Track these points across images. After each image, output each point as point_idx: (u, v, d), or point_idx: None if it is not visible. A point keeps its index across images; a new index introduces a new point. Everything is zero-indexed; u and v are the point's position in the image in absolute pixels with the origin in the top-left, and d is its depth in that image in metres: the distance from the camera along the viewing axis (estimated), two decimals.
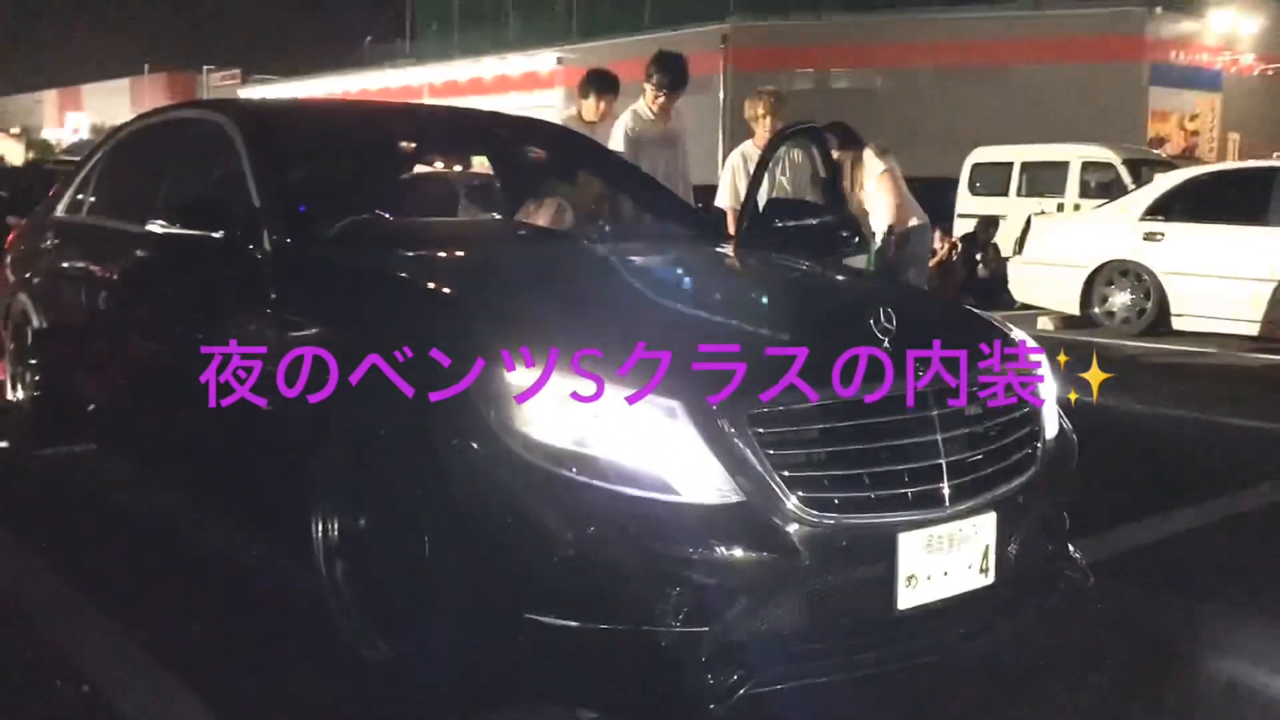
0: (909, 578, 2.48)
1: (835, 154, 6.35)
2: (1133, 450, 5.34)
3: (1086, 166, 16.29)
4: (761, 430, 2.37)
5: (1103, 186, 15.52)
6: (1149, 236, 9.67)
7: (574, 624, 2.32)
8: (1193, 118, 31.66)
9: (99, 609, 3.20)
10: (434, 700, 2.59)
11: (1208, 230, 9.36)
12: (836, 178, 5.31)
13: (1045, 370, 3.02)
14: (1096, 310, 10.03)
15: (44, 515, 4.13)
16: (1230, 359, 8.66)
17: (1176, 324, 9.52)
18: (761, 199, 4.82)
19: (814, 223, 4.23)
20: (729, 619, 2.33)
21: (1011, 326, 3.21)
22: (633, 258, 3.31)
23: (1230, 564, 3.83)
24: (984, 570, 2.62)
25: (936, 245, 12.96)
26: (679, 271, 3.20)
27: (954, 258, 12.60)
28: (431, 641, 2.51)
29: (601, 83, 5.96)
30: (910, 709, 2.75)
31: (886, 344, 2.62)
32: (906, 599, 2.48)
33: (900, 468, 2.50)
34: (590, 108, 5.88)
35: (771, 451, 2.37)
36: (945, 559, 2.54)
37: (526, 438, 2.34)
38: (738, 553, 2.34)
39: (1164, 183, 10.12)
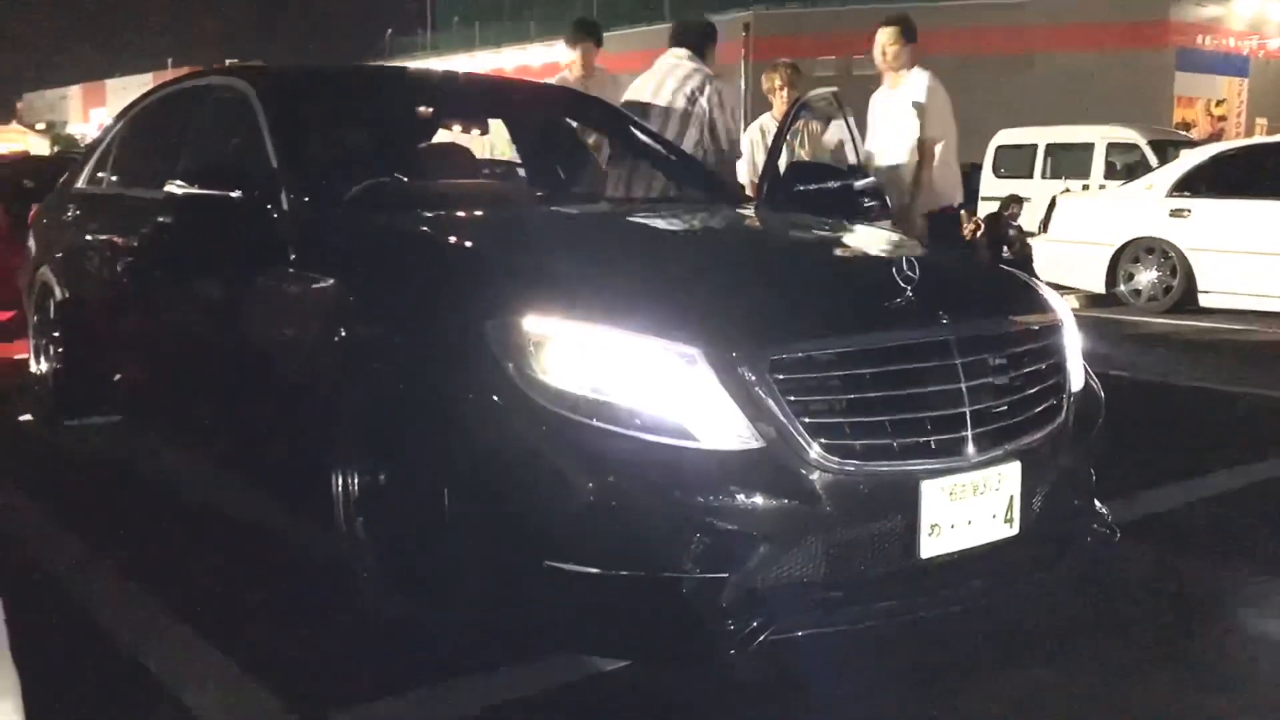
0: (932, 526, 2.46)
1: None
2: (1158, 419, 5.29)
3: (1111, 148, 16.16)
4: (782, 377, 2.34)
5: (1128, 168, 15.38)
6: (1175, 213, 9.57)
7: (594, 571, 2.30)
8: (1219, 103, 31.39)
9: (126, 575, 3.22)
10: (455, 653, 2.58)
11: (1235, 206, 9.25)
12: (857, 140, 5.27)
13: (1070, 323, 2.98)
14: (1122, 288, 9.94)
15: (71, 486, 4.15)
16: (1259, 335, 8.57)
17: (1203, 301, 9.42)
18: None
19: (835, 186, 4.21)
20: (749, 566, 2.31)
21: (1037, 279, 3.18)
22: (654, 218, 3.29)
23: (1257, 528, 3.77)
24: (1008, 520, 2.59)
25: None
26: (698, 227, 3.18)
27: (978, 237, 12.51)
28: (451, 595, 2.50)
29: (578, 29, 5.88)
30: (929, 666, 2.72)
31: (910, 292, 2.59)
32: (929, 548, 2.46)
33: (923, 415, 2.47)
34: (576, 63, 5.80)
35: (793, 398, 2.34)
36: (969, 508, 2.51)
37: (546, 387, 2.33)
38: (758, 499, 2.32)
39: (1190, 159, 10.02)
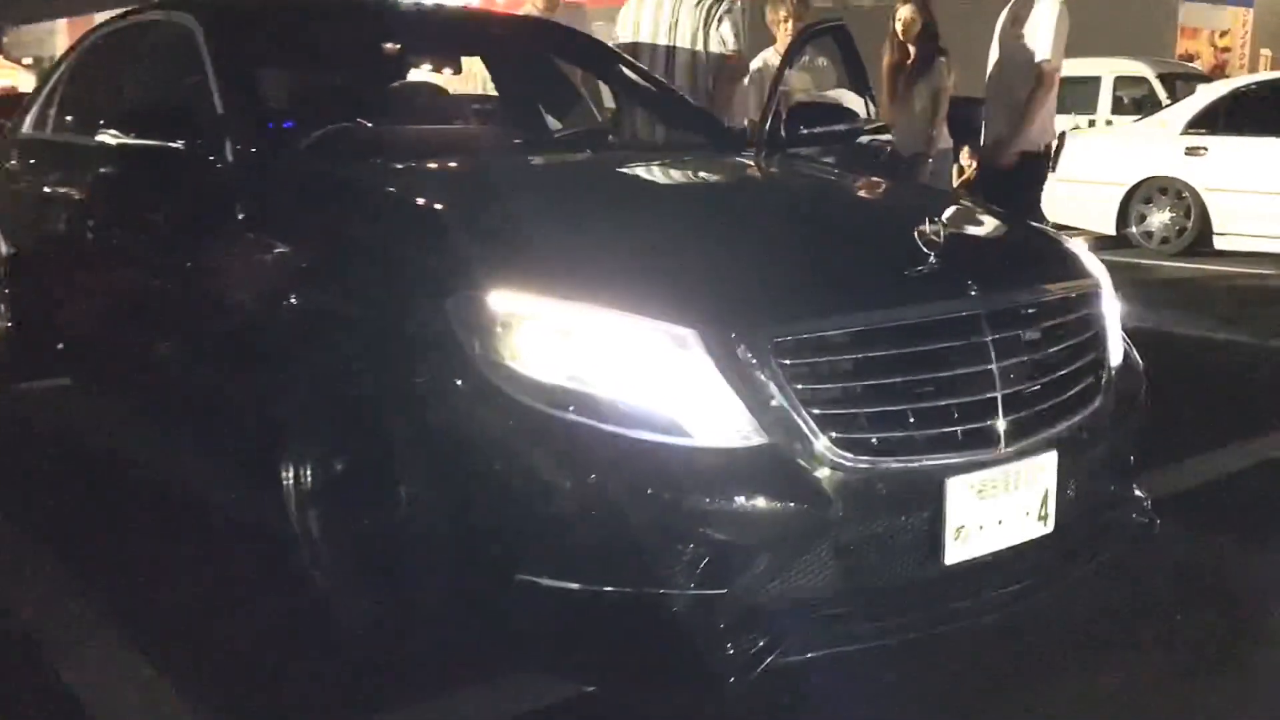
0: (958, 528, 2.16)
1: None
2: (1179, 379, 4.96)
3: (1119, 82, 15.66)
4: (788, 362, 2.03)
5: (1135, 102, 14.90)
6: (1191, 151, 9.17)
7: (572, 586, 2.00)
8: (1223, 34, 30.71)
9: (55, 562, 2.91)
10: (418, 670, 2.29)
11: (1255, 144, 8.86)
12: (865, 80, 4.89)
13: (1108, 290, 2.66)
14: (1134, 230, 9.58)
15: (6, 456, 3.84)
16: (1274, 279, 8.23)
17: (1219, 243, 9.07)
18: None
19: (843, 129, 3.87)
20: (751, 579, 2.01)
21: (1072, 240, 2.85)
22: (644, 169, 2.94)
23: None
24: (1043, 518, 2.29)
25: (964, 162, 12.50)
26: (695, 183, 2.82)
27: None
28: (414, 606, 2.20)
29: None
30: (954, 670, 2.43)
31: (934, 260, 2.26)
32: (955, 552, 2.16)
33: (949, 402, 2.16)
34: None
35: (800, 386, 2.03)
36: (1000, 506, 2.21)
37: (515, 374, 2.01)
38: (760, 503, 2.02)
39: (1208, 94, 9.60)
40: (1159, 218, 9.43)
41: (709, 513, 1.99)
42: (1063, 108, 15.79)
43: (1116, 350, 2.60)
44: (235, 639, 2.51)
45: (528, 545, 2.02)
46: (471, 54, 4.33)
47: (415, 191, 2.58)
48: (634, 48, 5.11)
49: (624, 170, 2.87)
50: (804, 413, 2.02)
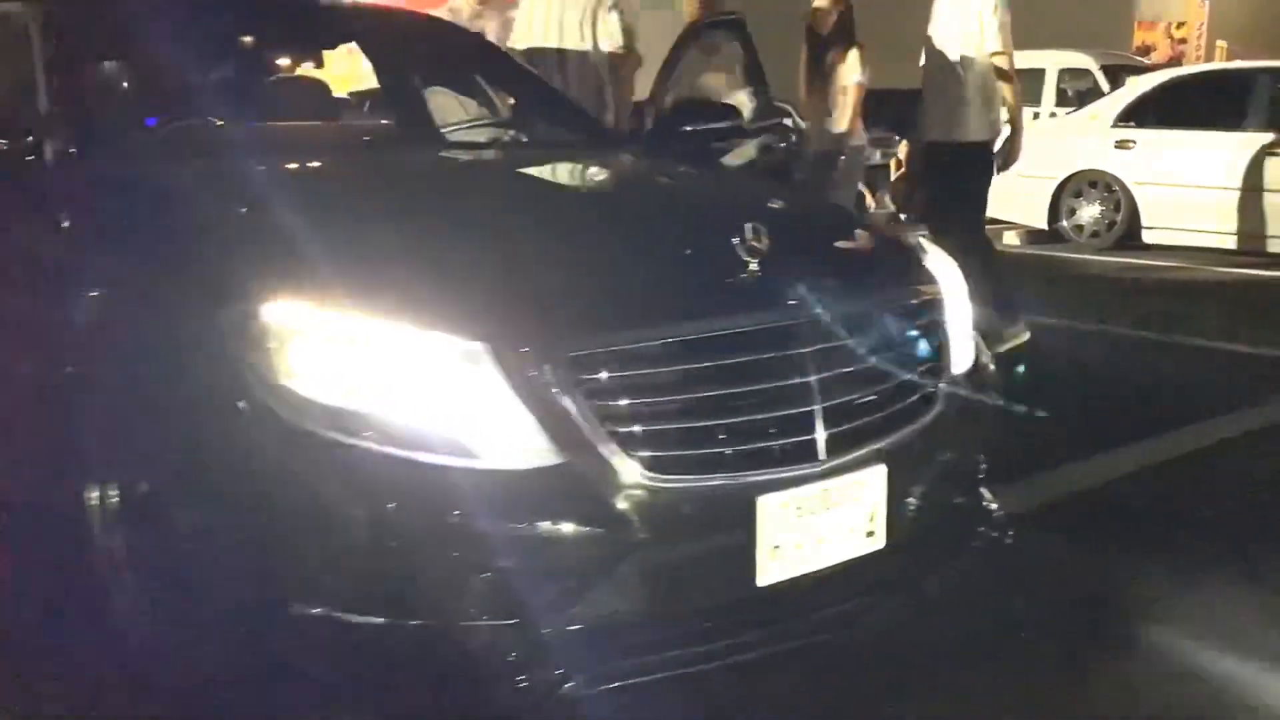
0: (773, 548, 2.06)
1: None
2: (1088, 377, 4.93)
3: (1063, 74, 15.66)
4: (586, 377, 1.92)
5: (1080, 95, 14.90)
6: (1120, 144, 9.16)
7: (353, 619, 1.89)
8: (1180, 25, 30.90)
9: None
10: (206, 704, 2.16)
11: (1180, 137, 8.85)
12: (762, 77, 4.80)
13: (958, 293, 2.58)
14: (1065, 224, 9.56)
15: None
16: (1201, 274, 8.22)
17: (1147, 237, 9.06)
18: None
19: (725, 126, 3.76)
20: (544, 608, 1.91)
21: (925, 241, 2.76)
22: (479, 170, 2.81)
23: (1184, 509, 3.41)
24: (871, 534, 2.20)
25: (902, 156, 12.46)
26: (523, 186, 2.69)
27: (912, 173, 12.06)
28: (203, 637, 2.08)
29: None
30: (786, 698, 2.35)
31: (754, 266, 2.16)
32: (770, 573, 2.07)
33: (763, 417, 2.06)
34: None
35: (599, 402, 1.93)
36: (820, 523, 2.12)
37: (290, 394, 1.89)
38: (553, 526, 1.91)
39: (1138, 86, 9.58)
40: (1089, 211, 9.41)
41: (497, 538, 1.88)
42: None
43: (964, 357, 2.51)
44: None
45: (305, 576, 1.91)
46: (331, 45, 4.18)
47: (211, 195, 2.44)
48: (529, 53, 5.02)
49: (455, 171, 2.75)
50: (603, 430, 1.92)
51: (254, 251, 2.08)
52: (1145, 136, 9.03)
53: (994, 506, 2.61)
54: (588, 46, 4.87)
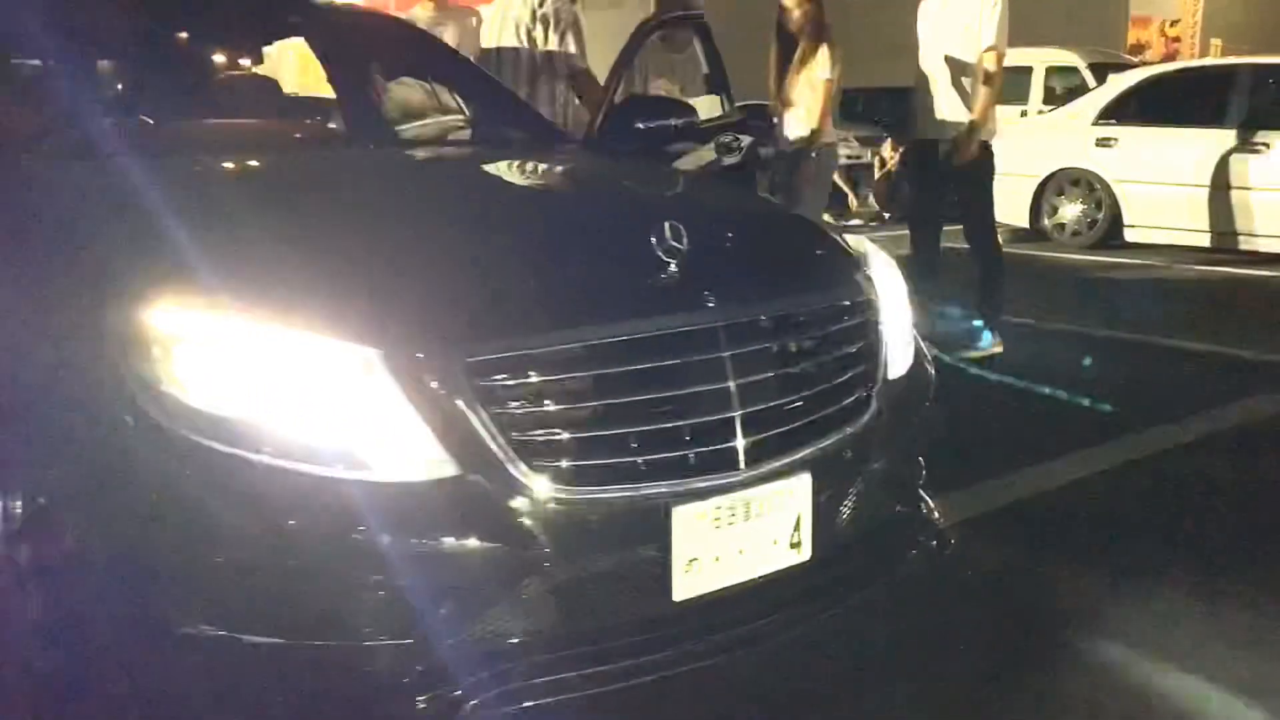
0: (690, 561, 1.98)
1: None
2: (1050, 379, 4.84)
3: (1050, 72, 15.59)
4: (486, 384, 1.84)
5: (1069, 93, 14.83)
6: (1101, 142, 9.10)
7: (243, 639, 1.81)
8: (1174, 23, 30.85)
9: None
10: None
11: (1161, 134, 8.79)
12: (723, 75, 4.71)
13: (894, 294, 2.50)
14: (1047, 222, 9.49)
15: None
16: (1179, 273, 8.15)
17: (1130, 236, 9.00)
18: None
19: (678, 124, 3.68)
20: (443, 627, 1.83)
21: (864, 240, 2.68)
22: (401, 169, 2.72)
23: (1135, 516, 3.34)
24: (795, 545, 2.12)
25: (886, 154, 12.40)
26: (440, 183, 2.59)
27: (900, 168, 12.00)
28: (92, 659, 1.99)
29: None
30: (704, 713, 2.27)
31: (673, 267, 2.08)
32: (686, 587, 1.98)
33: (678, 425, 1.98)
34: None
35: (500, 411, 1.84)
36: (740, 534, 2.04)
37: (176, 403, 1.80)
38: (451, 541, 1.83)
39: (1119, 84, 9.52)
40: (1070, 210, 9.35)
41: (392, 554, 1.80)
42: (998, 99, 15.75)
43: (901, 360, 2.44)
44: None
45: (193, 595, 1.82)
46: (267, 40, 4.10)
47: (101, 194, 2.34)
48: (496, 54, 4.96)
49: (374, 170, 2.66)
50: (504, 440, 1.84)
51: (140, 253, 1.99)
52: (1126, 134, 8.97)
53: (934, 515, 2.53)
54: (538, 51, 4.83)
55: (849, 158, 16.38)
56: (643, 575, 1.96)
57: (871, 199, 12.18)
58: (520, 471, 1.84)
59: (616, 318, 1.98)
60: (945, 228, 5.70)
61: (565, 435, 1.89)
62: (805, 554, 2.13)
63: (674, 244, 2.09)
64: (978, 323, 5.45)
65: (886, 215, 11.48)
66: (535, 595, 1.89)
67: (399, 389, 1.81)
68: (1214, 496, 3.48)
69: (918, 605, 2.62)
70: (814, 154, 5.91)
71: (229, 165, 2.59)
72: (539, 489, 1.85)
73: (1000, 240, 5.63)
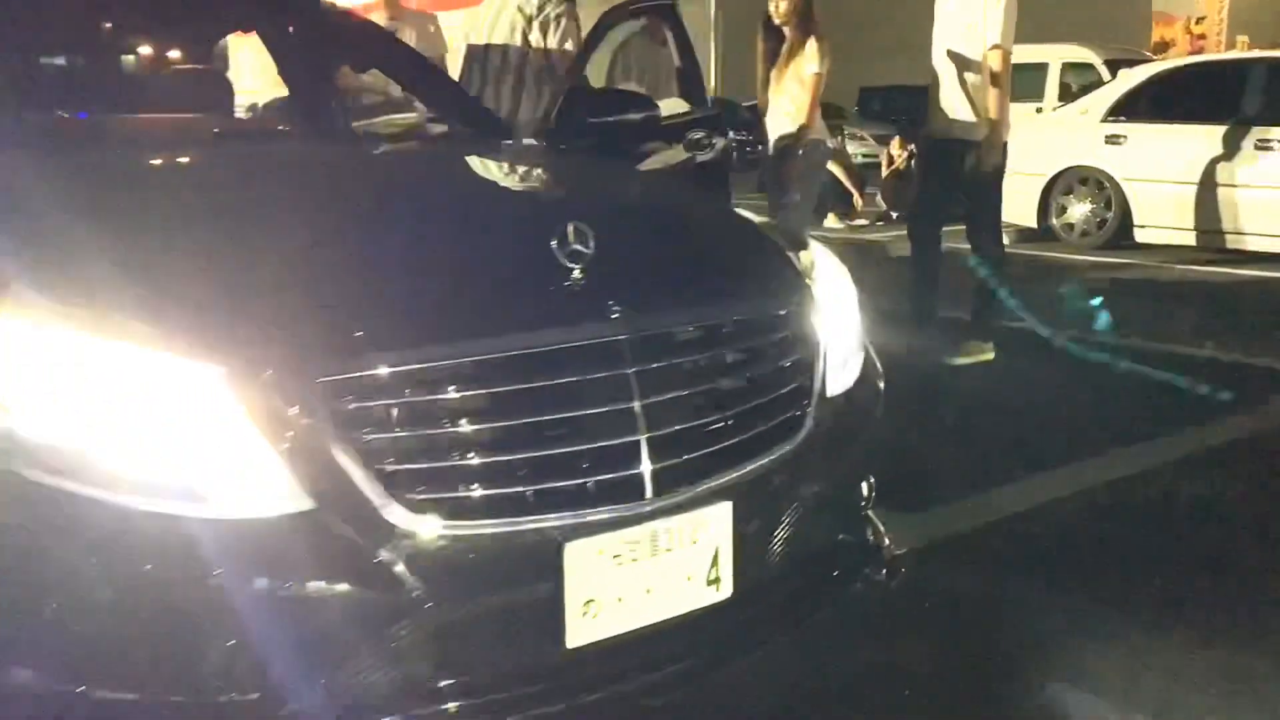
0: (586, 602, 1.77)
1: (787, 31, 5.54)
2: (1045, 391, 4.60)
3: (1066, 69, 15.30)
4: (347, 407, 1.63)
5: (1084, 90, 14.54)
6: (1110, 139, 8.82)
7: (74, 691, 1.60)
8: (1199, 21, 30.45)
9: None
10: None
11: (1172, 131, 8.50)
12: (696, 68, 4.50)
13: (837, 302, 2.29)
14: (1055, 222, 9.23)
15: None
16: (1189, 275, 7.87)
17: (1140, 236, 8.72)
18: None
19: (637, 118, 3.48)
20: (296, 680, 1.62)
21: (815, 243, 2.46)
22: (301, 167, 2.49)
23: (1104, 540, 3.09)
24: (713, 582, 1.90)
25: (894, 152, 12.14)
26: (330, 183, 2.34)
27: (911, 165, 11.73)
28: None
29: None
30: None
31: (576, 273, 1.87)
32: (583, 632, 1.78)
33: (573, 450, 1.77)
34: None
35: (363, 436, 1.64)
36: (647, 571, 1.83)
37: None
38: (308, 585, 1.63)
39: (1129, 79, 9.24)
40: (1079, 209, 9.08)
41: (236, 600, 1.59)
42: (1012, 96, 15.47)
43: (845, 375, 2.22)
44: None
45: (15, 641, 1.62)
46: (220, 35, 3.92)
47: None
48: (475, 50, 4.78)
49: (272, 169, 2.44)
50: (367, 470, 1.63)
51: None
52: (1136, 131, 8.70)
53: (884, 543, 2.31)
54: (530, 50, 4.65)
55: (864, 156, 16.19)
56: (531, 620, 1.76)
57: (879, 197, 11.92)
58: (386, 505, 1.63)
59: (502, 330, 1.76)
60: (945, 228, 5.51)
61: (440, 464, 1.68)
62: (725, 591, 1.92)
63: (579, 248, 1.89)
64: (975, 324, 5.24)
65: (894, 214, 11.22)
66: (406, 644, 1.68)
67: (245, 412, 1.60)
68: (1184, 521, 3.24)
69: (863, 641, 2.39)
70: (801, 151, 5.69)
71: (117, 162, 2.38)
72: (409, 524, 1.64)
73: (1004, 242, 5.41)
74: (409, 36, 4.88)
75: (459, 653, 1.73)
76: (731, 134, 4.53)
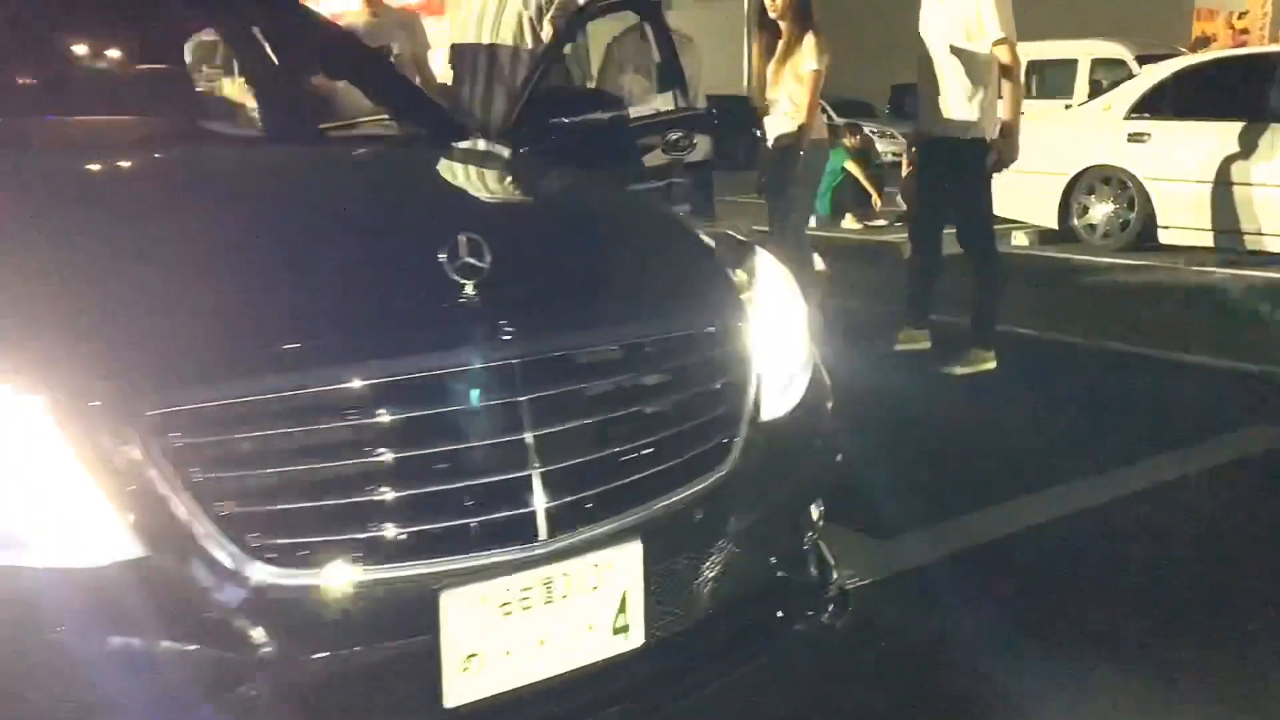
0: (468, 656, 1.59)
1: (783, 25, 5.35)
2: (1043, 404, 4.36)
3: (1096, 64, 14.96)
4: (181, 442, 1.45)
5: (1114, 85, 14.20)
6: (1134, 137, 8.54)
7: None
8: (1241, 15, 29.87)
9: None
10: None
11: (1198, 128, 8.20)
12: (676, 64, 4.31)
13: (787, 316, 2.09)
14: (1076, 223, 8.94)
15: None
16: (1212, 279, 7.57)
17: (1164, 237, 8.43)
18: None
19: (605, 119, 3.30)
20: None
21: (760, 252, 2.26)
22: (185, 173, 2.28)
23: (1084, 570, 2.86)
24: (621, 630, 1.72)
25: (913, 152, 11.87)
26: (215, 191, 2.11)
27: None
28: None
29: None
30: None
31: (468, 289, 1.69)
32: (464, 690, 1.59)
33: (452, 487, 1.59)
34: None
35: (201, 475, 1.46)
36: (540, 621, 1.64)
37: None
38: (137, 641, 1.45)
39: (1153, 75, 8.95)
40: (1101, 210, 8.80)
41: (59, 657, 1.42)
42: (1042, 92, 15.17)
43: (786, 396, 2.02)
44: None
45: None
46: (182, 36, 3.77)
47: None
48: (460, 49, 4.64)
49: (164, 175, 2.26)
50: (206, 512, 1.45)
51: None
52: (1160, 129, 8.41)
53: (830, 578, 2.11)
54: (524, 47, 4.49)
55: (894, 155, 15.92)
56: (403, 678, 1.57)
57: (900, 198, 11.66)
58: (229, 552, 1.46)
59: (366, 355, 1.57)
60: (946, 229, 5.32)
61: (289, 505, 1.50)
62: (635, 640, 1.73)
63: (471, 261, 1.70)
64: (975, 331, 5.03)
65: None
66: (254, 707, 1.50)
67: (67, 446, 1.43)
68: (1173, 547, 3.01)
69: (806, 686, 2.19)
70: (802, 151, 5.48)
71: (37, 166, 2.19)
72: (255, 573, 1.46)
73: (998, 246, 5.20)
74: (395, 34, 4.72)
75: (321, 715, 1.54)
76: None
